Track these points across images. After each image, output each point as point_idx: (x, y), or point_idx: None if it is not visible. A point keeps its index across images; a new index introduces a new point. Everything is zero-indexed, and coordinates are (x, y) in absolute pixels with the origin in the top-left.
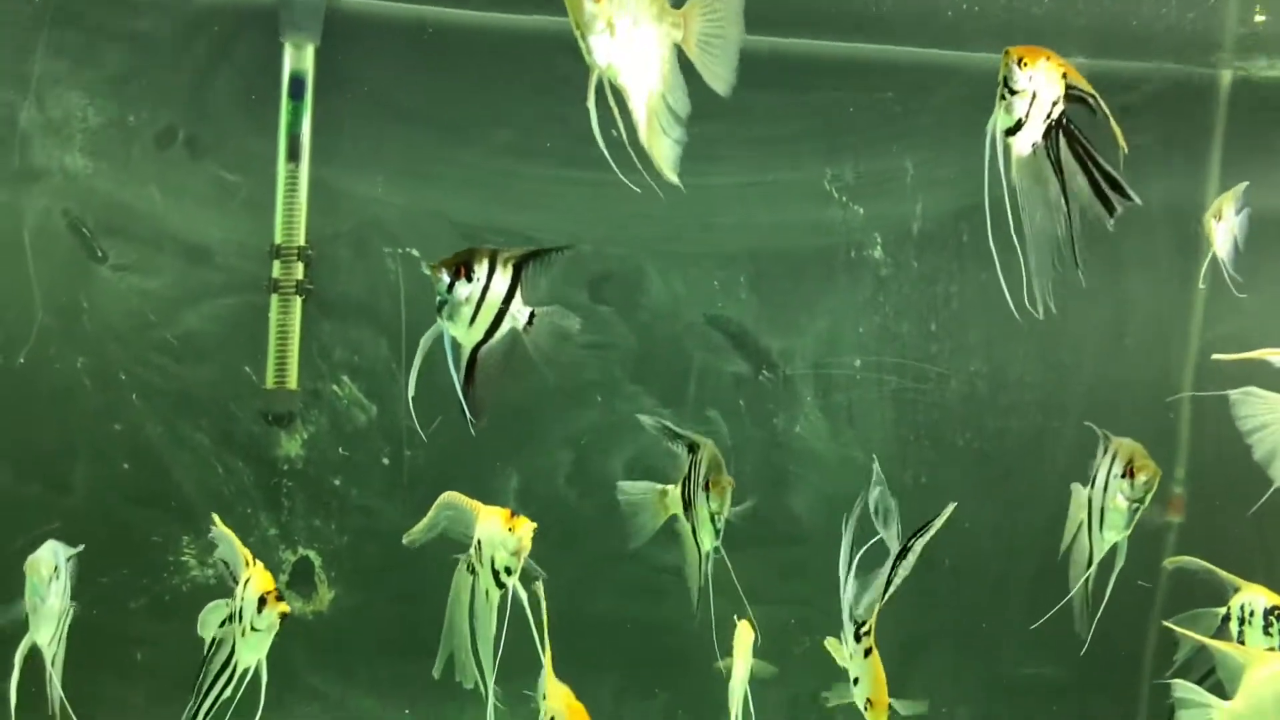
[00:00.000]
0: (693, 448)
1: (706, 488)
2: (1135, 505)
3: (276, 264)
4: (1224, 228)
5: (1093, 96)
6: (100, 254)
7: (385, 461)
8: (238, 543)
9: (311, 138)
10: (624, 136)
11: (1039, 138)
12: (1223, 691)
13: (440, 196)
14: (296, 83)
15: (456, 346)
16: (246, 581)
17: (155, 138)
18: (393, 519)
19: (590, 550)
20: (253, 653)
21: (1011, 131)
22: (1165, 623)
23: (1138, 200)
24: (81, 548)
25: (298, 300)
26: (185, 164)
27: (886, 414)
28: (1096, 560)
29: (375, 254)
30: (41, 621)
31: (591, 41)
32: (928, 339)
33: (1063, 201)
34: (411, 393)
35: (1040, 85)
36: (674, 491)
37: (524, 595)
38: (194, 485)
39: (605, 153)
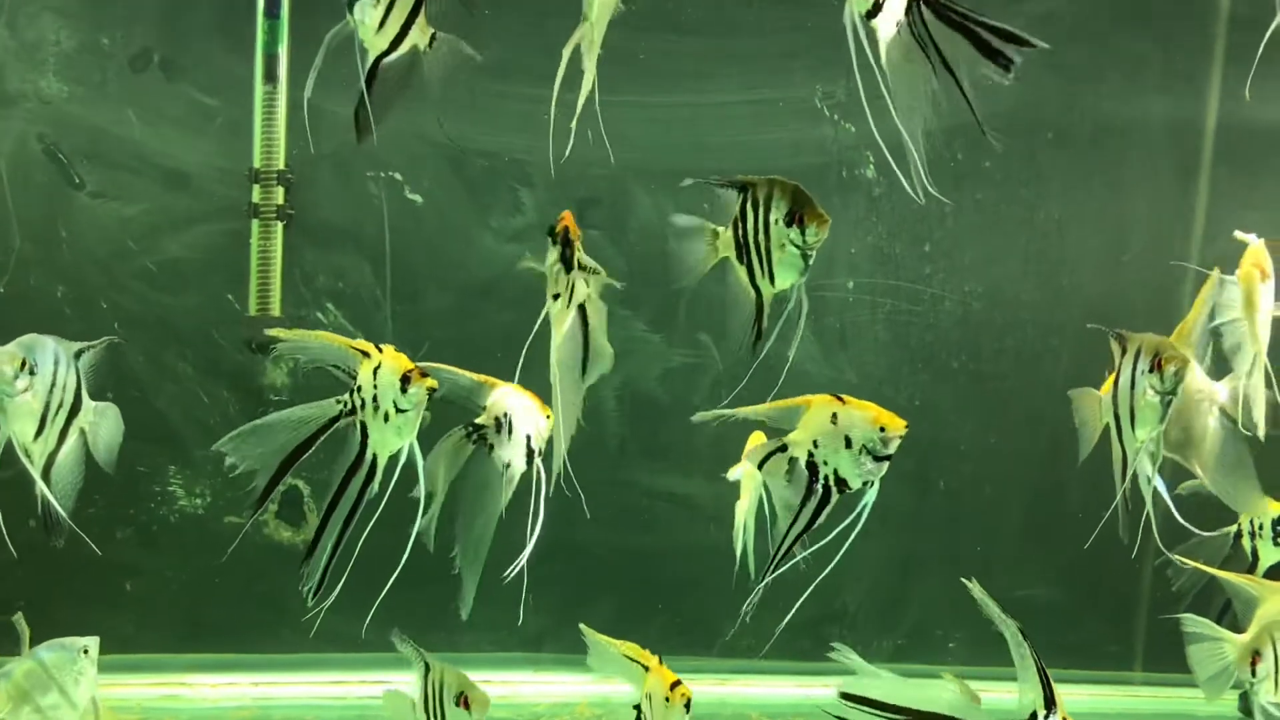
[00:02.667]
0: (744, 187)
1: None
2: (1168, 398)
3: (256, 188)
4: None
5: None
6: (78, 181)
7: None
8: (337, 339)
9: (290, 58)
10: None
11: (902, 15)
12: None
13: (423, 118)
14: (272, 1)
15: (364, 51)
16: (377, 368)
17: (130, 61)
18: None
19: (581, 477)
20: (399, 437)
21: (872, 14)
22: (1173, 555)
23: (1041, 44)
24: (94, 344)
25: (279, 225)
26: (161, 87)
27: (880, 336)
28: (1133, 461)
29: (357, 178)
30: (11, 420)
31: None
32: (921, 260)
33: (946, 75)
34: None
35: None
36: (726, 234)
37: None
38: (178, 414)
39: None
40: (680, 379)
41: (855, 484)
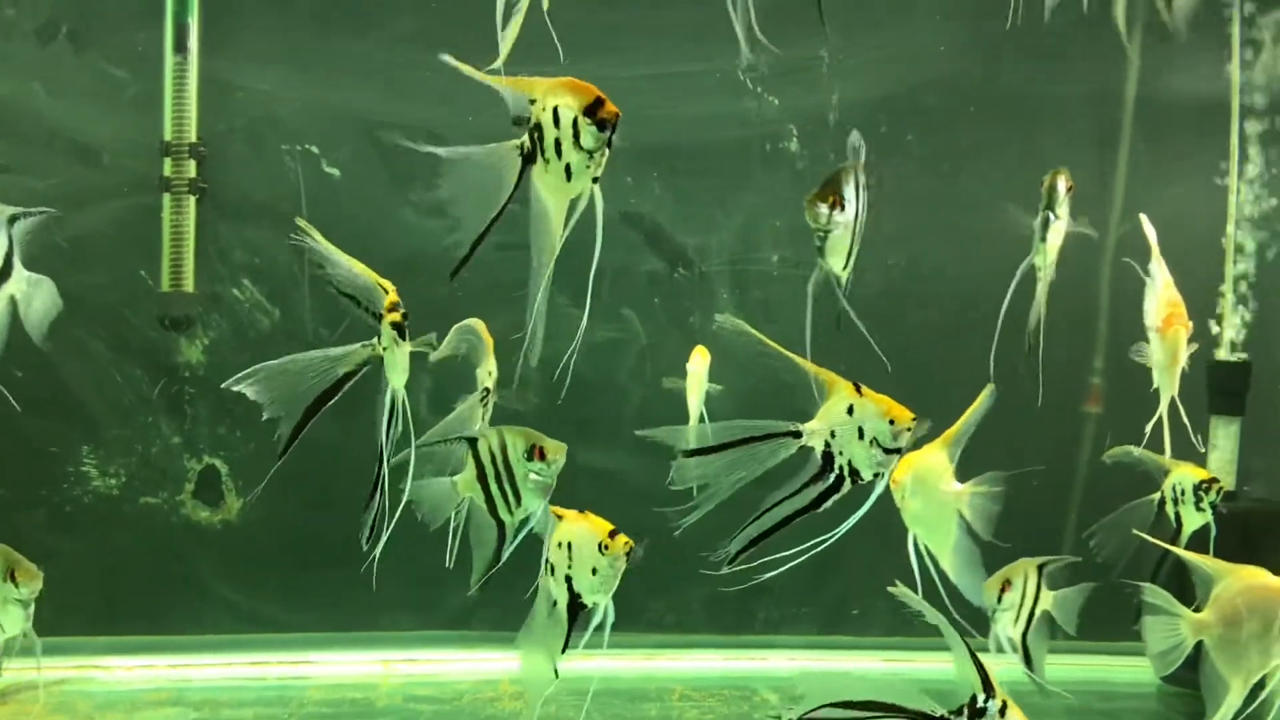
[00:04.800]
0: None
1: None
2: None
3: (167, 162)
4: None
5: None
6: None
7: None
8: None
9: (201, 28)
10: None
11: None
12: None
13: (341, 90)
14: None
15: None
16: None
17: (36, 32)
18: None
19: None
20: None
21: None
22: (1149, 537)
23: None
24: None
25: (191, 199)
26: (69, 59)
27: (804, 309)
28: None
29: (272, 151)
30: None
31: None
32: None
33: None
34: None
35: None
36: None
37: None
38: (91, 393)
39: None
40: (604, 354)
41: (867, 475)
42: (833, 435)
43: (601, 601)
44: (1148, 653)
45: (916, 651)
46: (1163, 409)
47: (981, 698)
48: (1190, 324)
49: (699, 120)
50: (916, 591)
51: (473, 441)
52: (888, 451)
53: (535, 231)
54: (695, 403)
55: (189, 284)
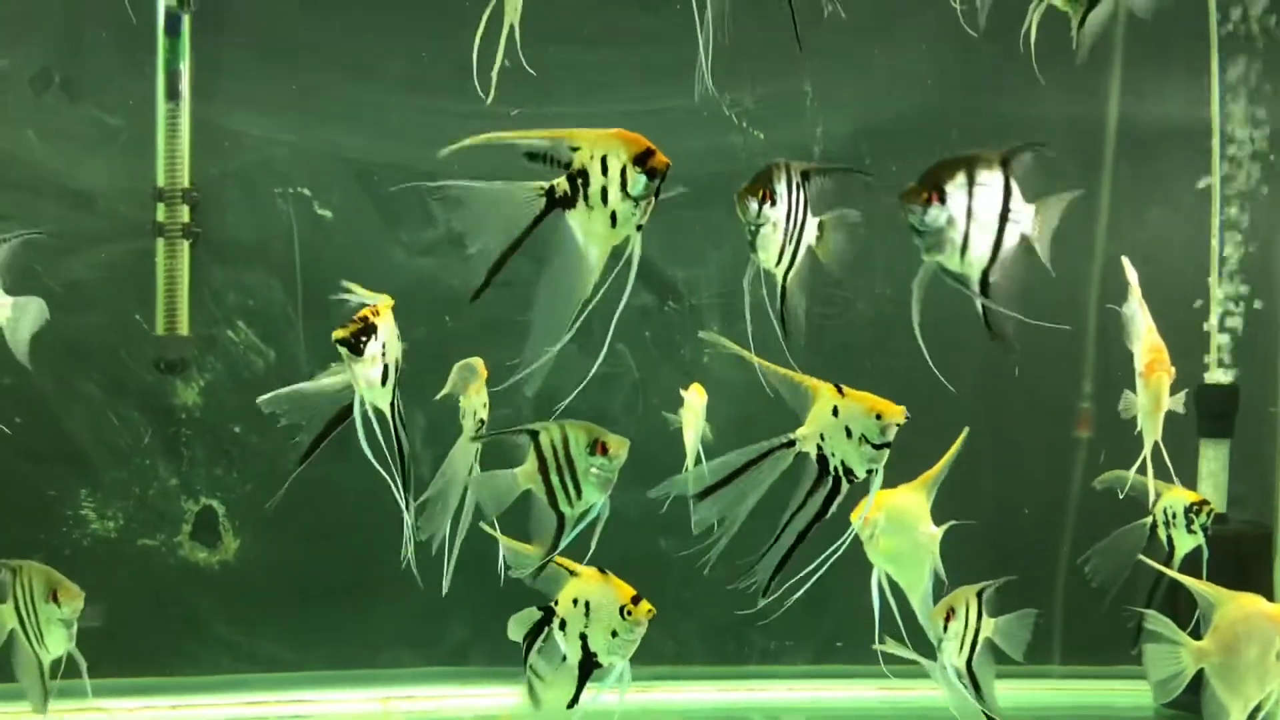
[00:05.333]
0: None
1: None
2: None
3: (161, 207)
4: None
5: None
6: None
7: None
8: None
9: (193, 75)
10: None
11: None
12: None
13: (331, 133)
14: (172, 19)
15: None
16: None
17: (31, 81)
18: (296, 464)
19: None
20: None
21: None
22: (1148, 561)
23: None
24: None
25: (185, 244)
26: (63, 107)
27: (794, 339)
28: None
29: (265, 195)
30: None
31: None
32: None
33: None
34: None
35: None
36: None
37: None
38: (88, 437)
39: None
40: (598, 388)
41: (860, 473)
42: (823, 438)
43: (618, 663)
44: (1149, 680)
45: (912, 680)
46: (1146, 453)
47: None
48: (1174, 370)
49: (686, 155)
50: (880, 627)
51: (534, 434)
52: (877, 447)
53: (557, 271)
54: (692, 440)
55: (184, 327)
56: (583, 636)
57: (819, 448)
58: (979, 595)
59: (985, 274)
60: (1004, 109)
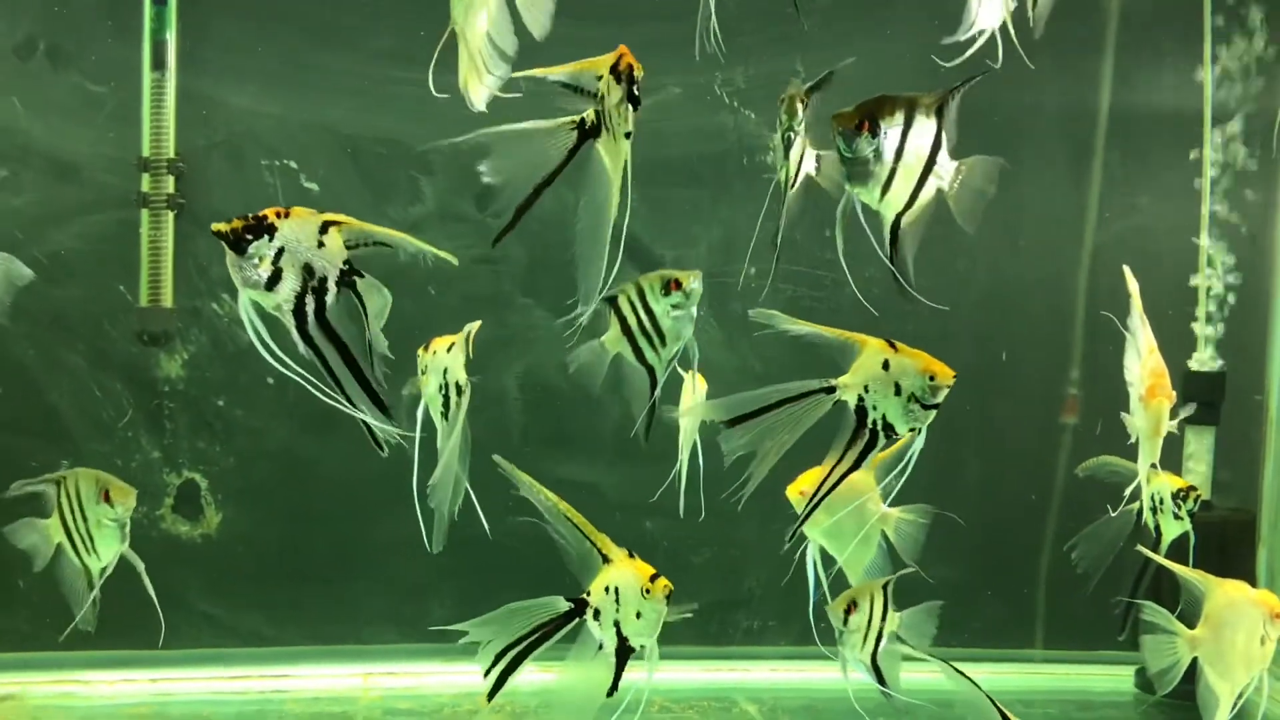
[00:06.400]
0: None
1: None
2: None
3: (145, 177)
4: None
5: None
6: None
7: (270, 381)
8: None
9: (179, 45)
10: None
11: None
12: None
13: (318, 106)
14: None
15: None
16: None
17: (15, 49)
18: (280, 439)
19: (484, 466)
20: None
21: None
22: (1144, 550)
23: None
24: None
25: (169, 215)
26: (48, 75)
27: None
28: None
29: (251, 167)
30: None
31: None
32: (822, 245)
33: None
34: None
35: None
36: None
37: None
38: (71, 409)
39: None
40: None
41: (902, 430)
42: (866, 390)
43: (648, 643)
44: (1149, 670)
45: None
46: (1142, 477)
47: None
48: (1174, 394)
49: (677, 134)
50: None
51: (611, 300)
52: (925, 407)
53: (588, 205)
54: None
55: (168, 299)
56: (616, 624)
57: (860, 400)
58: (884, 588)
59: (898, 218)
60: (994, 92)
